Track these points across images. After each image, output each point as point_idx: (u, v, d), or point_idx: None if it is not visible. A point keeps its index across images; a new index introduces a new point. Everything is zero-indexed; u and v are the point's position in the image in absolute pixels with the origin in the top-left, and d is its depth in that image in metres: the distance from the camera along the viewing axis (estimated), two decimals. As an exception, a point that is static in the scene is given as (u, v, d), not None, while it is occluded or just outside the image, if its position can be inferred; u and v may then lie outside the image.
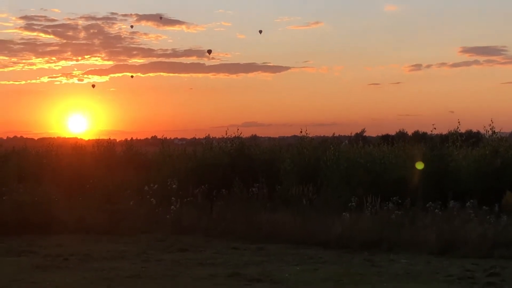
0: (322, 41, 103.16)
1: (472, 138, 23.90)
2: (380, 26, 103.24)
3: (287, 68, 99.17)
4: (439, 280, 11.90)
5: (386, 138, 30.90)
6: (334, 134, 28.79)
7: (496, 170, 19.79)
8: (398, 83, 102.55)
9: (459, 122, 21.77)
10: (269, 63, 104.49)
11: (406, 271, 12.73)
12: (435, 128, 22.94)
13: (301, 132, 24.19)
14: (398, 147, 22.31)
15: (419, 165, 18.13)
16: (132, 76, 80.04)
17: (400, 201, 17.70)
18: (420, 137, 31.84)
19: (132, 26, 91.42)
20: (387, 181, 19.95)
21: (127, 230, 17.93)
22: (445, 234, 15.10)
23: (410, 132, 47.41)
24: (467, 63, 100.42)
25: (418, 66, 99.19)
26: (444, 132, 23.69)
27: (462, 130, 23.16)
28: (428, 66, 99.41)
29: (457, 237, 14.89)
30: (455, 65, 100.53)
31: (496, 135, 21.00)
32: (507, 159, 20.20)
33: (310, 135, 24.54)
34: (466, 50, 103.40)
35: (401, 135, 41.08)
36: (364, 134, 50.18)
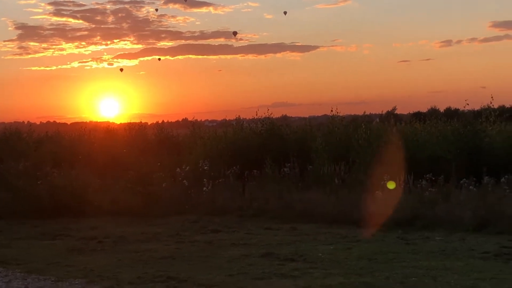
0: (350, 19, 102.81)
1: (505, 114, 23.58)
2: (409, 2, 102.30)
3: (315, 47, 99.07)
4: (475, 257, 11.76)
5: (418, 115, 30.67)
6: (364, 112, 28.61)
7: (531, 145, 19.52)
8: (428, 59, 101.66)
9: (492, 97, 21.58)
10: (297, 42, 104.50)
11: (441, 248, 12.61)
12: (468, 104, 22.81)
13: (331, 111, 24.16)
14: (430, 124, 22.15)
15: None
16: (159, 59, 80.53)
17: (433, 178, 17.54)
18: (452, 114, 31.51)
19: (157, 10, 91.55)
20: (420, 159, 19.80)
21: (161, 212, 18.04)
22: (480, 210, 14.91)
23: (442, 108, 47.09)
24: (497, 38, 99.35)
25: (448, 42, 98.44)
26: (477, 108, 23.48)
27: (495, 105, 22.90)
28: (459, 42, 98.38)
29: (493, 214, 14.68)
30: (485, 40, 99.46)
31: (530, 109, 20.73)
32: (543, 133, 19.92)
33: (341, 114, 24.49)
34: (496, 25, 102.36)
35: (433, 112, 40.75)
36: (395, 112, 49.85)
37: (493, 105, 21.87)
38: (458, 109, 31.70)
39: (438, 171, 18.10)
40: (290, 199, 17.81)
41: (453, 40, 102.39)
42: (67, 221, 17.09)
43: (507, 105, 35.35)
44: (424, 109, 47.07)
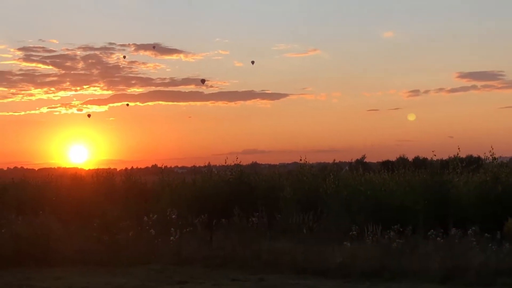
0: (320, 68, 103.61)
1: (472, 164, 23.81)
2: (378, 52, 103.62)
3: (285, 95, 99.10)
4: (441, 310, 11.72)
5: (386, 164, 30.85)
6: (334, 160, 28.65)
7: (497, 197, 19.68)
8: (397, 108, 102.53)
9: (459, 148, 21.78)
10: (267, 90, 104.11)
11: (407, 301, 12.56)
12: (435, 155, 23.08)
13: (300, 159, 24.18)
14: (398, 174, 22.25)
15: None
16: (127, 105, 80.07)
17: (401, 229, 17.54)
18: (420, 163, 31.72)
19: (125, 57, 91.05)
20: (388, 209, 19.84)
21: (126, 261, 17.73)
22: (446, 262, 14.92)
23: (410, 157, 47.44)
24: (464, 88, 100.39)
25: (416, 92, 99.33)
26: (445, 157, 23.68)
27: (462, 155, 23.17)
28: (426, 92, 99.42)
29: (459, 265, 14.70)
30: (453, 90, 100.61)
31: (496, 160, 20.98)
32: (508, 185, 20.11)
33: (310, 162, 24.61)
34: (463, 76, 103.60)
35: (402, 161, 41.04)
36: (364, 160, 50.15)
37: (460, 155, 22.10)
38: (427, 158, 31.93)
39: (406, 221, 18.13)
40: (258, 248, 17.65)
41: (420, 90, 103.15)
42: (31, 271, 16.69)
43: (474, 155, 35.77)
44: (393, 157, 47.37)
